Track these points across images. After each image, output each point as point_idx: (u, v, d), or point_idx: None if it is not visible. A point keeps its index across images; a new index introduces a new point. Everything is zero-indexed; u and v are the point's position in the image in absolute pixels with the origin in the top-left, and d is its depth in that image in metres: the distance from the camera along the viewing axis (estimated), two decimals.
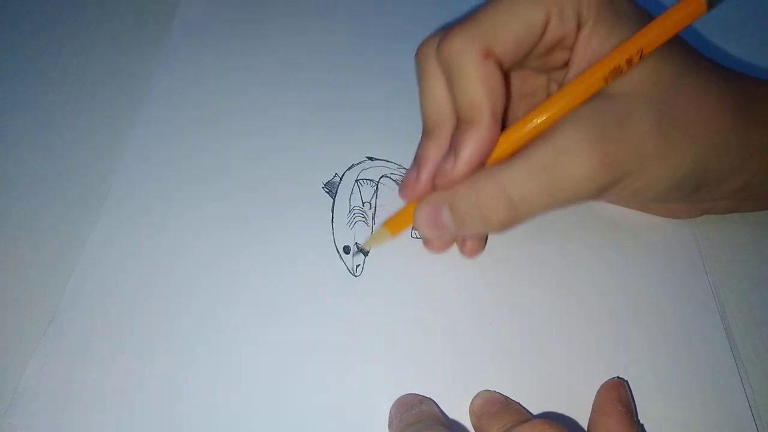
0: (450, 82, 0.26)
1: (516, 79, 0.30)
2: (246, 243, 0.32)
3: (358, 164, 0.35)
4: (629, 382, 0.28)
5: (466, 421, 0.27)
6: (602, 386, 0.27)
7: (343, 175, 0.34)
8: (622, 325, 0.30)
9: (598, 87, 0.26)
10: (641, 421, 0.27)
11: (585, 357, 0.29)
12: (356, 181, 0.34)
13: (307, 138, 0.36)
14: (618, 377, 0.28)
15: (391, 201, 0.33)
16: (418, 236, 0.32)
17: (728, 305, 0.30)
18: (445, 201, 0.27)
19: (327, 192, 0.34)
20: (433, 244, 0.31)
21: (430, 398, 0.27)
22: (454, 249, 0.31)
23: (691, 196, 0.29)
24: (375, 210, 0.33)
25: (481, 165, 0.26)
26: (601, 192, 0.26)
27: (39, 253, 0.31)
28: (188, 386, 0.28)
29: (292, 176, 0.34)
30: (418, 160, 0.28)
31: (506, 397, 0.27)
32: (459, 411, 0.27)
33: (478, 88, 0.25)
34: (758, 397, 0.28)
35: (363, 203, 0.33)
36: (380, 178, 0.34)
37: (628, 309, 0.30)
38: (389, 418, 0.27)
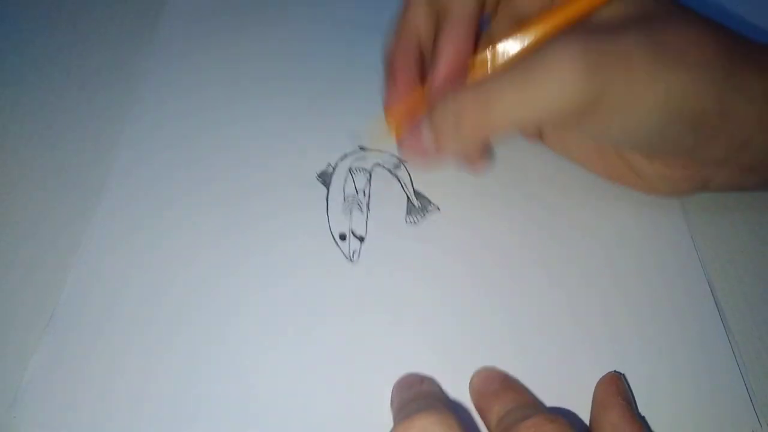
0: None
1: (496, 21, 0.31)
2: (242, 235, 0.32)
3: (350, 154, 0.35)
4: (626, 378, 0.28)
5: (466, 404, 0.27)
6: (601, 380, 0.27)
7: (336, 164, 0.35)
8: (620, 324, 0.29)
9: (585, 11, 0.25)
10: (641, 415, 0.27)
11: (581, 353, 0.29)
12: (349, 170, 0.34)
13: (299, 130, 0.36)
14: (615, 371, 0.28)
15: (384, 189, 0.34)
16: (414, 221, 0.33)
17: (726, 304, 0.30)
18: (425, 118, 0.27)
19: (321, 182, 0.34)
20: (427, 162, 0.31)
21: (431, 377, 0.28)
22: (450, 244, 0.32)
23: (688, 146, 0.27)
24: (369, 198, 0.34)
25: (460, 65, 0.27)
26: (583, 107, 0.24)
27: (37, 251, 0.31)
28: (189, 379, 0.28)
29: (285, 168, 0.34)
30: (392, 70, 0.30)
31: (506, 374, 0.27)
32: (459, 393, 0.27)
33: None
34: (758, 391, 0.28)
35: (357, 191, 0.34)
36: (373, 167, 0.35)
37: (624, 306, 0.30)
38: (391, 399, 0.27)
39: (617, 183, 0.33)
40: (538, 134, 0.34)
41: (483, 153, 0.31)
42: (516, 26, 0.27)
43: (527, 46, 0.26)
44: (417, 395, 0.26)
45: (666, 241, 0.32)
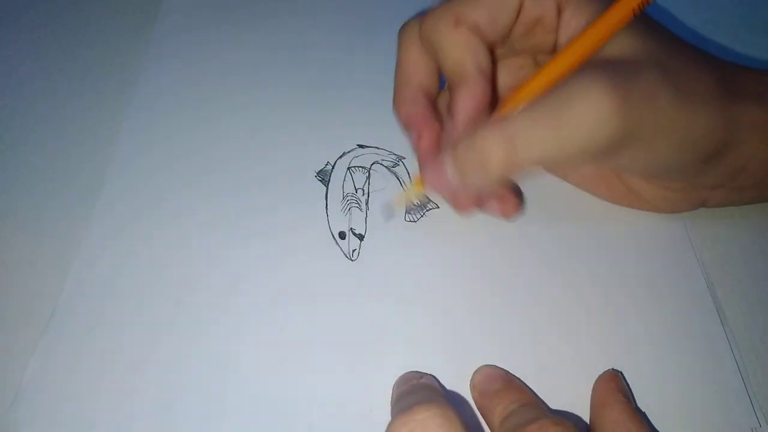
0: (435, 56, 0.28)
1: (507, 67, 0.31)
2: (241, 234, 0.32)
3: (349, 152, 0.35)
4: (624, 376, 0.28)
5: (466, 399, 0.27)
6: (599, 378, 0.27)
7: (335, 163, 0.35)
8: (620, 324, 0.29)
9: (602, 43, 0.26)
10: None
11: (582, 353, 0.29)
12: (348, 168, 0.34)
13: (298, 129, 0.36)
14: (613, 368, 0.28)
15: (383, 186, 0.34)
16: (413, 219, 0.33)
17: (726, 304, 0.30)
18: (447, 155, 0.27)
19: (320, 180, 0.34)
20: (459, 203, 0.30)
21: (431, 374, 0.28)
22: (449, 241, 0.32)
23: (698, 171, 0.28)
24: (368, 196, 0.34)
25: (478, 120, 0.27)
26: (611, 146, 0.25)
27: (37, 250, 0.31)
28: (189, 378, 0.28)
29: (284, 167, 0.34)
30: (410, 125, 0.30)
31: (507, 373, 0.27)
32: (459, 391, 0.27)
33: (457, 50, 0.27)
34: (757, 390, 0.28)
35: (356, 190, 0.34)
36: (372, 165, 0.35)
37: (624, 307, 0.30)
38: (391, 396, 0.27)
39: (617, 204, 0.33)
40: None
41: (514, 197, 0.31)
42: (533, 66, 0.28)
43: (547, 83, 0.26)
44: (414, 388, 0.26)
45: (665, 243, 0.32)
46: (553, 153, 0.25)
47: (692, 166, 0.28)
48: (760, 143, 0.27)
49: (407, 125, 0.31)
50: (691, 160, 0.27)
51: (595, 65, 0.25)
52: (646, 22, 0.27)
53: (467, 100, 0.27)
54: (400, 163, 0.35)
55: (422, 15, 0.29)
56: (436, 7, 0.28)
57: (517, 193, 0.31)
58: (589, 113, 0.23)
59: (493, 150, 0.25)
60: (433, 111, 0.30)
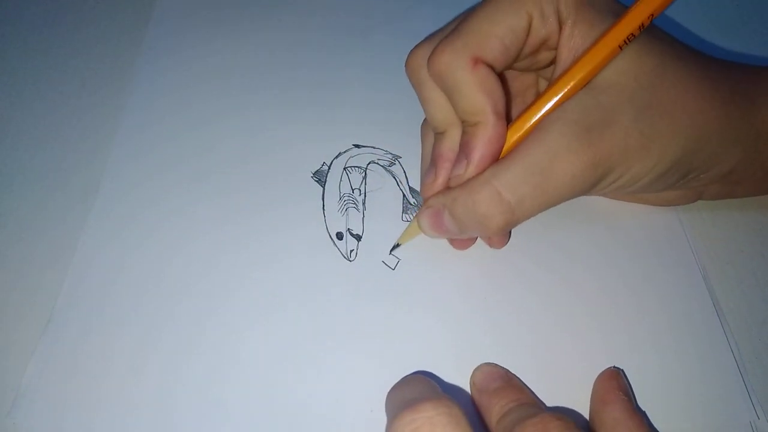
0: (447, 94, 0.28)
1: (506, 79, 0.31)
2: (239, 235, 0.32)
3: (345, 152, 0.35)
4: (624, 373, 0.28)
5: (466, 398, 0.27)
6: (600, 376, 0.27)
7: (331, 163, 0.35)
8: (619, 323, 0.30)
9: (584, 83, 0.27)
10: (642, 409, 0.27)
11: (581, 352, 0.29)
12: (344, 168, 0.34)
13: (294, 129, 0.36)
14: (614, 366, 0.28)
15: (379, 186, 0.34)
16: (411, 219, 0.33)
17: (725, 302, 0.31)
18: (444, 205, 0.28)
19: (316, 181, 0.34)
20: (455, 243, 0.32)
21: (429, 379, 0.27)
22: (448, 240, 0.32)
23: (680, 183, 0.30)
24: (365, 196, 0.34)
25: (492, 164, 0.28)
26: (590, 187, 0.27)
27: (34, 252, 0.31)
28: (189, 381, 0.28)
29: (280, 167, 0.34)
30: (435, 161, 0.29)
31: (507, 371, 0.28)
32: (459, 391, 0.28)
33: (476, 94, 0.27)
34: (756, 384, 0.28)
35: (353, 190, 0.34)
36: (368, 165, 0.35)
37: (623, 306, 0.30)
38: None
39: (614, 199, 0.34)
40: None
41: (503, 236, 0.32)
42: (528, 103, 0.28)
43: (530, 126, 0.28)
44: (409, 380, 0.25)
45: (663, 241, 0.32)
46: (543, 205, 0.27)
47: (674, 179, 0.29)
48: (746, 150, 0.29)
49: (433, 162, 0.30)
50: (671, 180, 0.29)
51: (573, 108, 0.26)
52: (647, 31, 0.27)
53: (485, 144, 0.27)
54: (396, 162, 0.35)
55: (428, 43, 0.28)
56: (446, 40, 0.27)
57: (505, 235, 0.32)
58: (569, 170, 0.26)
59: (491, 213, 0.27)
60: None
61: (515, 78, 0.32)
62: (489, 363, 0.28)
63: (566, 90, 0.27)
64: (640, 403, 0.27)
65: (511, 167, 0.27)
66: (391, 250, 0.31)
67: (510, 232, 0.32)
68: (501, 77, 0.28)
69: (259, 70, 0.39)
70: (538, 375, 0.28)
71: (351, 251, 0.31)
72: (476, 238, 0.32)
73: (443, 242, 0.32)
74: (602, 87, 0.27)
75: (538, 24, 0.27)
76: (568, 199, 0.27)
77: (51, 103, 0.37)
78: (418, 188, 0.34)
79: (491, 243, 0.32)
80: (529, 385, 0.27)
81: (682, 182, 0.30)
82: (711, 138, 0.28)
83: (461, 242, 0.31)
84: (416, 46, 0.29)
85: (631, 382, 0.28)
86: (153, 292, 0.30)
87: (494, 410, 0.25)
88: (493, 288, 0.30)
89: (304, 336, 0.29)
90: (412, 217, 0.33)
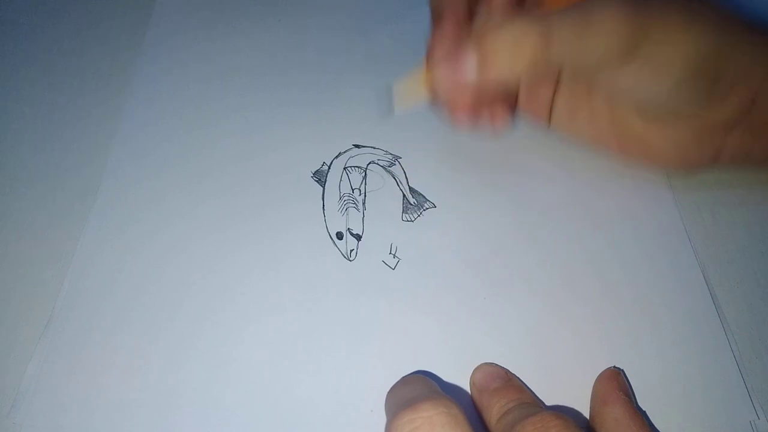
0: None
1: None
2: (239, 235, 0.32)
3: (345, 152, 0.35)
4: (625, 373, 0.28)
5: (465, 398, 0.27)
6: (600, 376, 0.27)
7: (331, 163, 0.35)
8: (619, 322, 0.30)
9: None
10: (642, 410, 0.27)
11: (581, 351, 0.29)
12: (344, 168, 0.34)
13: (293, 129, 0.36)
14: (614, 366, 0.28)
15: (379, 186, 0.34)
16: (411, 219, 0.33)
17: (724, 301, 0.31)
18: (470, 43, 0.27)
19: (316, 181, 0.34)
20: (457, 105, 0.30)
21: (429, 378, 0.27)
22: (447, 240, 0.32)
23: (706, 99, 0.29)
24: (365, 196, 0.34)
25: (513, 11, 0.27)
26: (625, 53, 0.27)
27: (34, 252, 0.31)
28: (189, 381, 0.28)
29: (280, 167, 0.34)
30: (442, 15, 0.29)
31: (507, 371, 0.28)
32: (459, 390, 0.28)
33: None
34: (755, 383, 0.28)
35: (353, 190, 0.34)
36: (368, 165, 0.35)
37: (622, 305, 0.30)
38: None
39: (627, 156, 0.33)
40: (548, 117, 0.34)
41: (507, 108, 0.31)
42: None
43: None
44: (408, 380, 0.25)
45: (664, 242, 0.32)
46: (578, 48, 0.27)
47: (698, 91, 0.28)
48: (766, 74, 0.28)
49: (438, 11, 0.30)
50: (697, 83, 0.28)
51: None
52: None
53: None
54: (396, 162, 0.35)
55: None
56: None
57: (509, 108, 0.31)
58: (607, 21, 0.26)
59: (530, 35, 0.26)
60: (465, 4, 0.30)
61: None
62: (489, 362, 0.28)
63: None
64: (640, 403, 0.27)
65: (554, 14, 0.26)
66: (387, 112, 0.30)
67: (513, 116, 0.31)
68: None
69: (259, 70, 0.39)
70: (538, 375, 0.28)
71: (351, 251, 0.31)
72: (477, 111, 0.30)
73: (443, 242, 0.32)
74: None
75: None
76: (600, 56, 0.27)
77: (51, 103, 0.37)
78: (418, 188, 0.34)
79: (495, 118, 0.30)
80: (529, 385, 0.27)
81: (706, 97, 0.29)
82: (737, 46, 0.28)
83: (463, 105, 0.30)
84: None
85: (631, 382, 0.28)
86: (153, 292, 0.30)
87: (494, 410, 0.25)
88: (493, 288, 0.30)
89: (304, 335, 0.29)
90: (413, 218, 0.33)
